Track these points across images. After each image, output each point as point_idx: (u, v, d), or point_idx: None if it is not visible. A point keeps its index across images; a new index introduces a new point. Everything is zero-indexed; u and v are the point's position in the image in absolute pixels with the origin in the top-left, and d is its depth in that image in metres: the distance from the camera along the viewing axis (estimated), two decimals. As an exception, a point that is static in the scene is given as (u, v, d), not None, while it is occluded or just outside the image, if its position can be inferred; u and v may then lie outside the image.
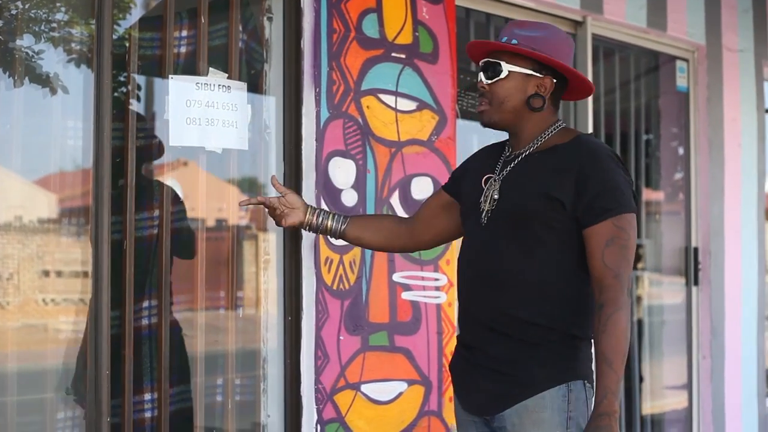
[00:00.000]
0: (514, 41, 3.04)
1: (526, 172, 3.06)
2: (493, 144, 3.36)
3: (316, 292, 4.40)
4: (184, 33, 4.42)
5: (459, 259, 3.22)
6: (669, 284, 7.13)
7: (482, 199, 3.12)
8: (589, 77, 5.94)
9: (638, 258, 6.98)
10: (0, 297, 4.31)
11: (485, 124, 3.15)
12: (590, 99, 5.96)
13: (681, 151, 6.98)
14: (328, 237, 3.60)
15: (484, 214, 3.09)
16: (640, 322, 6.99)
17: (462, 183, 3.32)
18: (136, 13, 4.60)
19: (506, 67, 3.05)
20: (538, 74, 3.05)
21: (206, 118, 4.20)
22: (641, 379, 6.82)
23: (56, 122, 4.46)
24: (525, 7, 5.52)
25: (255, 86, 4.55)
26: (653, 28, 6.34)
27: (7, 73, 4.35)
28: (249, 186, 4.91)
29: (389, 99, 4.72)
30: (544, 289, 2.98)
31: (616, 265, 2.91)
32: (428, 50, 4.86)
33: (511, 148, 3.18)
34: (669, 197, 7.20)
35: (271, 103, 4.56)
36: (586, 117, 5.90)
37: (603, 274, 2.91)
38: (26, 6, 4.54)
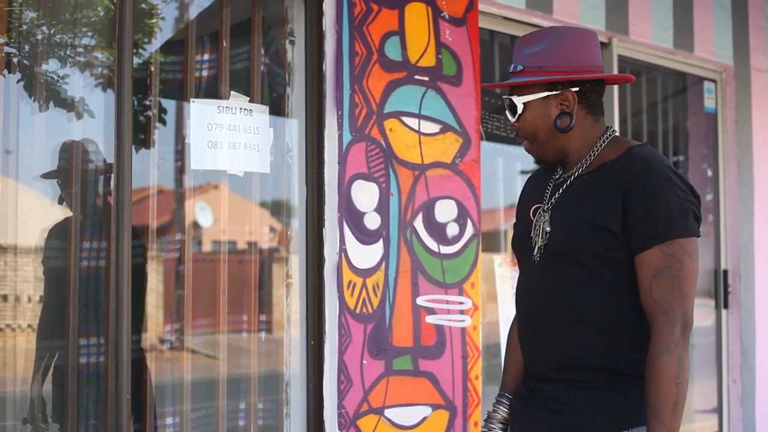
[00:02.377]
0: (520, 67, 2.79)
1: (573, 198, 2.78)
2: (545, 167, 3.06)
3: (339, 315, 4.37)
4: (206, 56, 4.42)
5: (516, 298, 2.96)
6: (699, 306, 7.04)
7: (533, 233, 2.84)
8: (615, 99, 5.92)
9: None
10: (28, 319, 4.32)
11: (538, 163, 2.94)
12: (617, 120, 5.93)
13: (710, 172, 6.93)
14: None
15: (536, 250, 2.81)
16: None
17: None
18: (159, 38, 4.62)
19: (519, 101, 2.80)
20: (554, 92, 2.76)
21: (228, 142, 4.20)
22: (671, 403, 6.73)
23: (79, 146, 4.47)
24: (549, 28, 5.48)
25: (277, 109, 4.54)
26: (680, 49, 6.30)
27: (33, 98, 4.37)
28: (273, 209, 4.90)
29: (412, 122, 4.70)
30: (604, 329, 2.69)
31: (665, 299, 2.59)
32: (452, 72, 4.84)
33: (562, 169, 2.89)
34: (698, 219, 7.12)
35: (294, 126, 4.56)
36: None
37: (652, 310, 2.62)
38: (51, 31, 4.56)
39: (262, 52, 4.57)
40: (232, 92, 4.29)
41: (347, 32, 4.50)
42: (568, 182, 2.81)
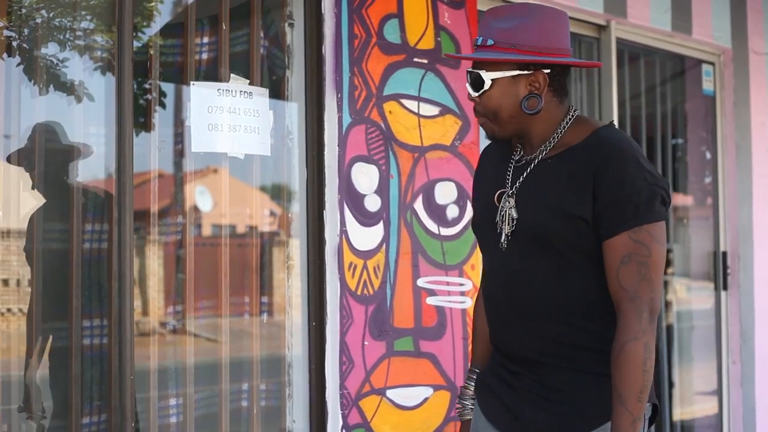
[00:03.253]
0: (490, 41, 2.65)
1: (540, 183, 2.69)
2: (504, 143, 2.92)
3: (340, 297, 4.39)
4: (206, 39, 4.43)
5: (484, 286, 2.89)
6: (698, 289, 7.08)
7: (498, 218, 2.75)
8: (614, 82, 5.93)
9: (667, 263, 6.93)
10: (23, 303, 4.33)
11: (489, 139, 2.80)
12: (615, 103, 5.94)
13: (708, 155, 6.94)
14: None
15: (503, 237, 2.72)
16: (669, 328, 6.92)
17: (478, 188, 2.97)
18: (158, 21, 4.63)
19: (487, 77, 2.66)
20: (525, 72, 2.65)
21: (228, 125, 4.21)
22: (671, 385, 6.78)
23: (80, 129, 4.49)
24: (548, 11, 5.49)
25: (277, 92, 4.56)
26: (678, 32, 6.31)
27: (32, 81, 4.38)
28: (273, 192, 4.92)
29: (412, 104, 4.71)
30: (587, 311, 2.64)
31: (632, 286, 2.55)
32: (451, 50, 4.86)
33: (522, 150, 2.80)
34: (697, 202, 7.15)
35: (293, 109, 4.57)
36: (611, 108, 5.90)
37: (619, 297, 2.57)
38: (50, 15, 4.57)
39: (262, 35, 4.58)
40: (232, 75, 4.30)
41: (346, 15, 4.51)
42: (532, 166, 2.73)
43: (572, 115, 2.74)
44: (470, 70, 2.72)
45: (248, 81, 4.34)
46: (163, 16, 4.64)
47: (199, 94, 4.19)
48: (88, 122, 4.43)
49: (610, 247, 2.57)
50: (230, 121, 4.22)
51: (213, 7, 4.50)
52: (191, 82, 4.24)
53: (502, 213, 2.73)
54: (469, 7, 4.95)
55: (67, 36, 4.58)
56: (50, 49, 4.48)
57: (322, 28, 4.50)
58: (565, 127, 2.72)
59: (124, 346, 3.95)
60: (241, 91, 4.26)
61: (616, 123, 5.76)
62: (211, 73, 4.38)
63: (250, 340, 4.56)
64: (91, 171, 4.50)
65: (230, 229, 4.62)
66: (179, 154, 4.50)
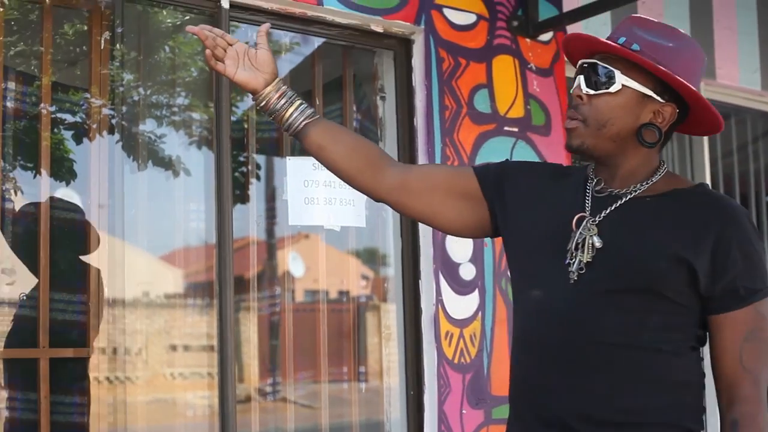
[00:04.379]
0: (636, 46, 2.24)
1: (640, 219, 2.26)
2: (560, 166, 2.59)
3: (438, 366, 4.43)
4: (301, 115, 4.55)
5: (523, 319, 2.37)
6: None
7: (571, 245, 2.28)
8: (705, 141, 5.93)
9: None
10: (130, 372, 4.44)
11: (572, 148, 2.32)
12: (707, 161, 5.93)
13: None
14: (283, 128, 2.51)
15: (575, 267, 2.25)
16: None
17: (512, 195, 2.46)
18: (250, 94, 4.76)
19: (620, 79, 2.24)
20: (659, 98, 2.25)
21: (324, 198, 4.31)
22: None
23: (179, 204, 4.63)
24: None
25: (371, 164, 4.64)
26: (768, 91, 6.30)
27: (131, 157, 4.53)
28: (368, 260, 5.00)
29: (503, 172, 4.76)
30: (656, 373, 2.20)
31: (756, 367, 2.18)
32: (540, 122, 4.91)
33: (604, 182, 2.35)
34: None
35: (388, 180, 4.64)
36: (704, 178, 5.91)
37: (738, 379, 2.18)
38: (147, 92, 4.73)
39: (354, 108, 4.70)
40: (327, 149, 4.40)
41: (437, 87, 4.59)
42: (623, 200, 2.29)
43: (665, 168, 2.35)
44: (598, 62, 2.28)
45: (343, 154, 4.43)
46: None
47: (296, 168, 4.30)
48: (189, 197, 4.57)
49: (733, 320, 2.19)
50: (326, 194, 4.31)
51: (306, 80, 4.63)
52: (287, 157, 4.35)
53: (578, 240, 2.27)
54: (558, 75, 5.01)
55: (164, 112, 4.73)
56: (148, 126, 4.64)
57: (413, 100, 4.59)
58: (660, 174, 2.30)
59: (227, 413, 4.02)
60: (336, 165, 4.36)
61: (708, 181, 5.83)
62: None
63: (349, 407, 4.63)
64: (192, 245, 4.63)
65: (327, 297, 4.71)
66: (276, 226, 4.61)
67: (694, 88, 2.22)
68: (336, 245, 4.83)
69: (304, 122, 2.43)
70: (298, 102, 2.44)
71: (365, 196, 4.22)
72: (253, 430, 4.38)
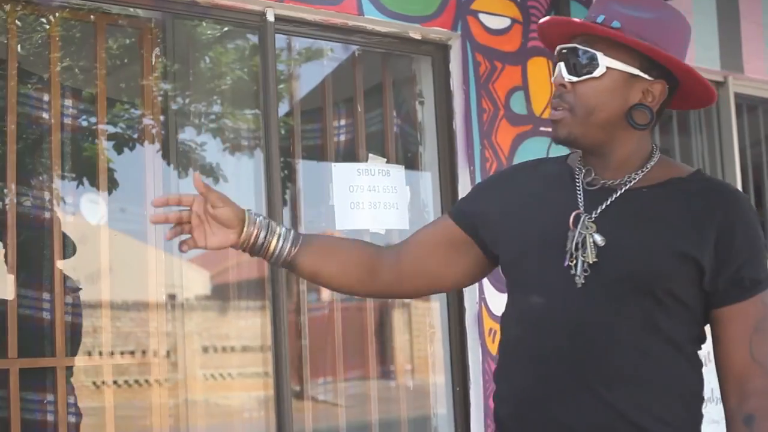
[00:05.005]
0: (616, 23, 2.09)
1: (639, 214, 2.10)
2: (535, 162, 2.38)
3: (482, 362, 4.57)
4: (343, 122, 4.70)
5: (521, 330, 2.17)
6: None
7: (570, 246, 2.09)
8: (734, 132, 6.04)
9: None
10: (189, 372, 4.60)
11: (560, 140, 2.15)
12: (736, 151, 6.03)
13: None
14: (270, 262, 2.36)
15: (579, 270, 2.07)
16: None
17: (492, 212, 2.29)
18: (294, 102, 4.91)
19: (604, 61, 2.08)
20: (646, 75, 2.10)
21: (369, 202, 4.45)
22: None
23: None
24: (666, 71, 5.66)
25: (412, 167, 4.80)
26: (795, 82, 6.40)
27: (172, 165, 4.68)
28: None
29: (540, 171, 4.88)
30: (667, 383, 2.06)
31: (766, 359, 2.05)
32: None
33: (594, 172, 2.17)
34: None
35: (428, 183, 4.80)
36: (734, 168, 6.02)
37: (750, 373, 2.03)
38: (186, 101, 4.88)
39: (394, 113, 4.83)
40: (370, 155, 4.55)
41: (474, 91, 4.72)
42: (619, 193, 2.13)
43: (657, 151, 2.20)
44: (577, 46, 2.12)
45: (385, 160, 4.58)
46: (298, 97, 4.92)
47: (341, 174, 4.44)
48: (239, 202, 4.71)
49: (739, 312, 2.05)
50: (370, 198, 4.46)
51: (348, 88, 4.77)
52: (332, 164, 4.49)
53: (578, 240, 2.09)
54: (591, 75, 5.13)
55: (203, 120, 4.88)
56: (187, 134, 4.78)
57: (452, 104, 4.73)
58: (654, 160, 2.16)
59: (282, 411, 4.17)
60: (379, 170, 4.50)
61: (738, 168, 5.94)
62: (350, 153, 4.64)
63: (396, 404, 4.77)
64: (244, 254, 4.78)
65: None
66: (322, 230, 4.75)
67: (683, 62, 2.09)
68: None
69: (292, 251, 2.28)
70: (278, 229, 2.28)
71: (407, 199, 4.36)
72: (306, 427, 4.53)
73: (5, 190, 4.00)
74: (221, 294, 5.22)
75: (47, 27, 4.17)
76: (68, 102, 4.24)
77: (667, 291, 2.03)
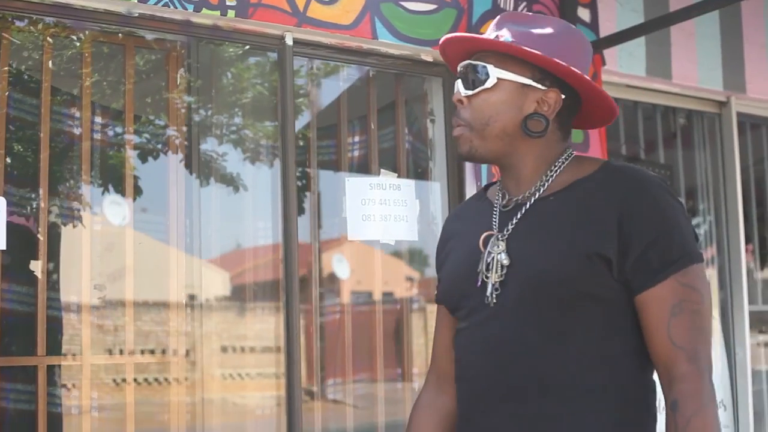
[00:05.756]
0: (508, 38, 2.17)
1: (541, 223, 2.12)
2: (475, 195, 2.44)
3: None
4: (357, 138, 4.95)
5: (460, 363, 2.21)
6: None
7: (481, 267, 2.14)
8: (736, 149, 6.21)
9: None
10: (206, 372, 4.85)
11: (463, 156, 2.22)
12: (738, 168, 6.20)
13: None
14: None
15: (490, 290, 2.11)
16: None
17: (444, 262, 2.36)
18: (311, 114, 5.16)
19: (494, 73, 2.15)
20: (539, 85, 2.15)
21: (380, 215, 4.68)
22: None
23: (248, 218, 5.03)
24: (669, 92, 5.88)
25: (422, 182, 5.03)
26: (798, 101, 6.57)
27: (194, 174, 4.93)
28: (420, 266, 5.38)
29: (544, 187, 5.10)
30: (588, 390, 2.03)
31: (690, 341, 1.99)
32: (579, 140, 5.25)
33: (508, 193, 2.22)
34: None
35: (437, 197, 5.03)
36: (735, 185, 6.17)
37: (672, 358, 2.00)
38: (209, 113, 5.12)
39: (406, 130, 5.07)
40: (382, 170, 4.78)
41: (482, 109, 4.92)
42: (527, 206, 2.16)
43: (570, 153, 2.23)
44: (471, 62, 2.19)
45: (396, 174, 4.81)
46: (315, 109, 5.17)
47: (354, 187, 4.66)
48: (255, 212, 4.96)
49: (654, 298, 2.02)
50: (381, 211, 4.68)
51: (362, 107, 5.02)
52: (346, 178, 4.73)
53: (487, 260, 2.14)
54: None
55: (224, 131, 5.12)
56: (209, 145, 5.03)
57: (461, 122, 4.94)
58: (563, 163, 2.19)
59: (293, 410, 4.40)
60: (390, 185, 4.73)
61: (739, 187, 6.10)
62: (363, 168, 4.88)
63: (403, 406, 5.00)
64: (261, 258, 5.04)
65: (382, 301, 5.10)
66: (337, 241, 5.00)
67: (568, 66, 2.12)
68: (391, 253, 5.20)
69: None
70: None
71: (417, 212, 4.57)
72: (315, 427, 4.77)
73: (38, 197, 4.26)
74: (239, 295, 5.45)
75: (78, 45, 4.42)
76: (97, 115, 4.49)
77: (578, 294, 2.03)
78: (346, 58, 4.74)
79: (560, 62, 2.11)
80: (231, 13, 4.24)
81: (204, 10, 4.17)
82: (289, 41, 4.44)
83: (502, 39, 2.17)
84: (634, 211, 2.03)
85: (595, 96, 2.20)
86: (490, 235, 2.16)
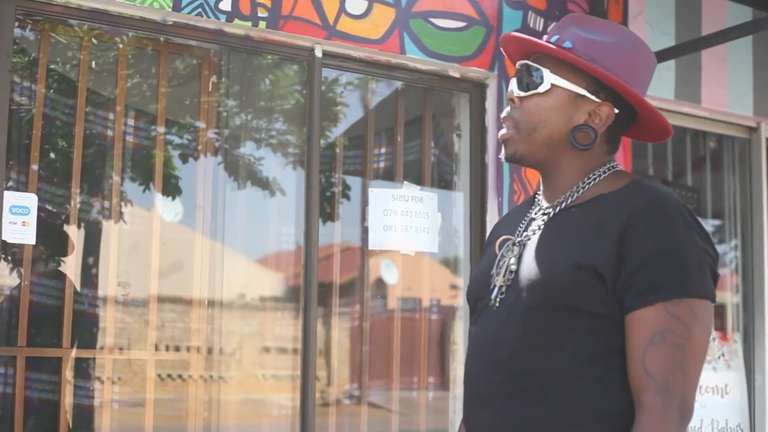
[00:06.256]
0: (568, 44, 2.12)
1: (555, 233, 2.11)
2: (525, 200, 2.38)
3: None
4: (383, 150, 5.06)
5: (466, 359, 2.24)
6: None
7: (495, 270, 2.17)
8: (764, 175, 6.22)
9: None
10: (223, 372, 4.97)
11: (508, 158, 2.19)
12: (765, 194, 6.22)
13: None
14: None
15: (496, 293, 2.13)
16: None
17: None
18: (344, 123, 5.28)
19: (548, 78, 2.12)
20: (593, 97, 2.11)
21: (402, 226, 4.79)
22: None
23: (274, 221, 5.15)
24: (697, 116, 5.94)
25: (445, 195, 5.13)
26: (830, 128, 6.57)
27: (232, 177, 5.05)
28: (441, 282, 5.46)
29: (567, 205, 5.17)
30: (572, 400, 1.98)
31: (661, 373, 1.90)
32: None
33: (544, 199, 2.21)
34: None
35: (459, 210, 5.14)
36: (761, 209, 6.20)
37: (642, 385, 1.92)
38: (248, 117, 5.24)
39: (432, 144, 5.17)
40: (405, 182, 4.89)
41: (506, 127, 5.01)
42: (551, 214, 2.15)
43: (611, 167, 2.16)
44: (528, 62, 2.17)
45: (419, 187, 4.91)
46: (347, 117, 5.29)
47: (377, 198, 4.77)
48: (282, 215, 5.08)
49: (637, 321, 1.94)
50: (403, 222, 4.79)
51: (390, 120, 5.12)
52: (370, 189, 4.84)
53: (500, 264, 2.16)
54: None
55: (263, 135, 5.24)
56: (248, 149, 5.15)
57: (486, 138, 5.06)
58: (600, 176, 2.14)
59: (307, 413, 4.53)
60: (413, 197, 4.83)
61: (765, 210, 6.09)
62: (387, 179, 5.00)
63: (417, 415, 5.10)
64: (282, 260, 5.17)
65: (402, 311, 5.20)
66: (360, 251, 5.11)
67: (624, 83, 2.08)
68: (413, 265, 5.29)
69: None
70: None
71: (438, 224, 4.64)
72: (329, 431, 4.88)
73: (71, 195, 4.41)
74: (260, 296, 5.55)
75: (119, 47, 4.56)
76: (131, 117, 4.63)
77: (564, 305, 1.99)
78: (374, 71, 4.86)
79: (616, 78, 2.08)
80: (262, 24, 4.37)
81: (236, 21, 4.31)
82: (318, 53, 4.56)
83: (563, 43, 2.13)
84: (638, 228, 1.96)
85: (648, 114, 2.15)
86: (507, 239, 2.18)
